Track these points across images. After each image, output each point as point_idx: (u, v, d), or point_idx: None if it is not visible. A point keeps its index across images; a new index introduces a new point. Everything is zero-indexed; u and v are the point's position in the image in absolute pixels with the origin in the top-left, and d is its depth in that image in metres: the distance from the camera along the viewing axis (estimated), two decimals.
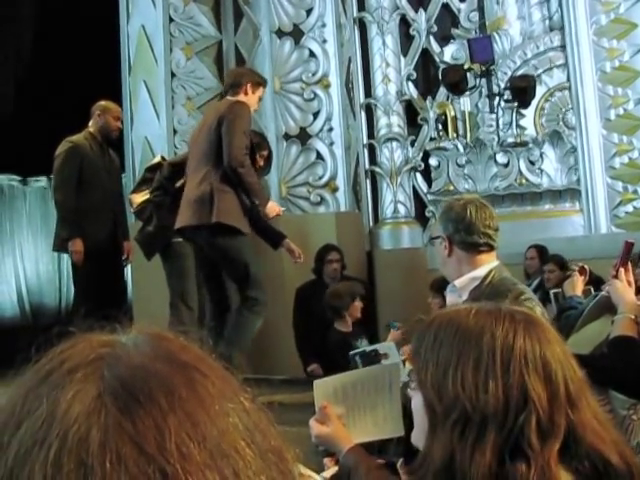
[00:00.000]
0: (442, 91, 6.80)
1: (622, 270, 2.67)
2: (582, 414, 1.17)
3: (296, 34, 6.45)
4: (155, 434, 0.50)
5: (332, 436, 2.00)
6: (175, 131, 6.27)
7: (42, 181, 9.82)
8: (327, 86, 6.43)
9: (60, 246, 5.06)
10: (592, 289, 3.26)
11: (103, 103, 5.25)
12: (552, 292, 3.91)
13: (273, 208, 4.48)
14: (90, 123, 5.16)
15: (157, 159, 5.00)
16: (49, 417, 0.50)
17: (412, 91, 6.91)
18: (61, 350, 0.56)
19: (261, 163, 4.67)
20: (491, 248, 2.60)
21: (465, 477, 1.16)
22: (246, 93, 4.33)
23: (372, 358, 3.47)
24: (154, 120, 6.30)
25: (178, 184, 4.52)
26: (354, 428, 2.09)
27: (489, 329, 1.22)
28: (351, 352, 3.68)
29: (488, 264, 2.58)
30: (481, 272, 2.56)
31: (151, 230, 4.64)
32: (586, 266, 3.26)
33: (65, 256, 10.61)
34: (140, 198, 4.73)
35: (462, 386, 1.19)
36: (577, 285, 3.18)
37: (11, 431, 0.51)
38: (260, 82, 4.45)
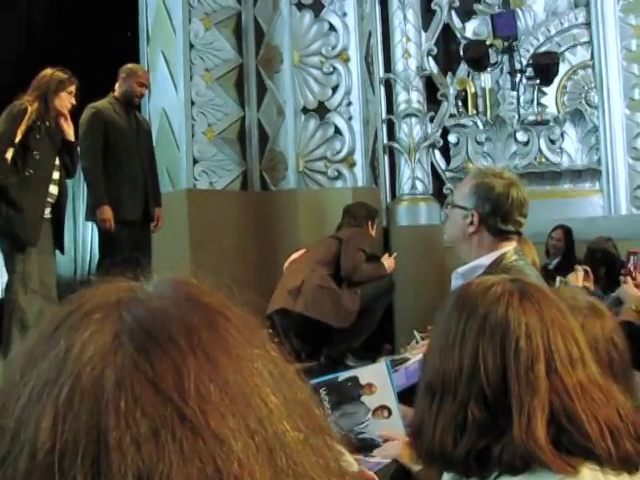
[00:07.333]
0: (463, 67, 6.71)
1: (628, 277, 3.49)
2: (567, 381, 1.12)
3: (316, 7, 6.37)
4: (173, 375, 0.47)
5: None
6: (193, 102, 6.22)
7: None
8: (347, 60, 6.35)
9: (90, 215, 4.88)
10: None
11: (130, 66, 5.10)
12: (559, 279, 4.13)
13: (390, 264, 5.13)
14: (116, 86, 5.03)
15: None
16: (64, 357, 0.49)
17: (432, 67, 6.83)
18: (81, 294, 0.54)
19: (73, 101, 4.52)
20: (518, 235, 2.42)
21: (430, 447, 1.14)
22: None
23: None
24: (172, 91, 6.26)
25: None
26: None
27: (474, 301, 1.18)
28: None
29: (500, 250, 2.36)
30: (485, 260, 2.35)
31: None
32: (590, 273, 3.98)
33: (80, 225, 10.56)
34: None
35: (438, 355, 1.18)
36: (579, 280, 3.85)
37: (27, 372, 0.49)
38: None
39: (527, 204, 2.38)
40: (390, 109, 6.80)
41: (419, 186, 6.70)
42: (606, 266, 5.02)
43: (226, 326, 0.52)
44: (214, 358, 0.49)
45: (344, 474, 0.53)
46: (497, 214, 2.33)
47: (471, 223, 2.36)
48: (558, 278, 4.07)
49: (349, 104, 6.29)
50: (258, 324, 0.56)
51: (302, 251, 5.14)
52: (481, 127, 6.56)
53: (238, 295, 0.58)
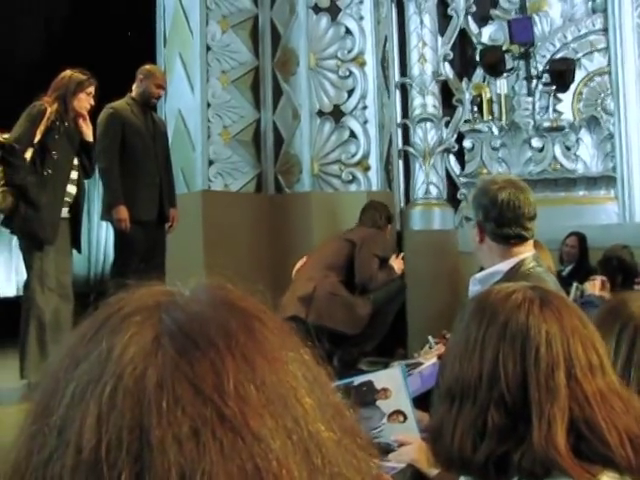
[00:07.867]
0: (478, 72, 6.71)
1: None
2: (587, 389, 1.12)
3: (333, 10, 6.39)
4: (213, 376, 0.49)
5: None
6: (209, 104, 6.25)
7: None
8: (362, 64, 6.37)
9: (106, 214, 4.89)
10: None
11: (148, 67, 5.12)
12: (575, 285, 4.10)
13: (399, 265, 5.05)
14: (133, 87, 5.06)
15: None
16: (106, 357, 0.50)
17: (448, 71, 6.83)
18: (120, 297, 0.56)
19: (92, 102, 4.52)
20: (524, 239, 2.38)
21: (449, 451, 1.15)
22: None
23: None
24: (188, 93, 6.29)
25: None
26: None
27: (494, 308, 1.20)
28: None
29: (518, 256, 2.36)
30: (504, 267, 2.35)
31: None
32: (607, 283, 4.16)
33: (95, 225, 10.60)
34: None
35: (458, 361, 1.19)
36: (596, 288, 4.03)
37: (69, 372, 0.51)
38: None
39: (525, 206, 2.36)
40: (405, 113, 6.81)
41: (433, 191, 6.70)
42: (622, 273, 5.01)
43: (262, 330, 0.54)
44: (251, 360, 0.51)
45: (374, 476, 0.54)
46: (489, 219, 2.36)
47: (477, 233, 2.42)
48: (575, 284, 4.08)
49: (364, 108, 6.30)
50: (291, 328, 0.57)
51: (305, 259, 5.11)
52: (496, 133, 6.56)
53: (270, 300, 0.60)
